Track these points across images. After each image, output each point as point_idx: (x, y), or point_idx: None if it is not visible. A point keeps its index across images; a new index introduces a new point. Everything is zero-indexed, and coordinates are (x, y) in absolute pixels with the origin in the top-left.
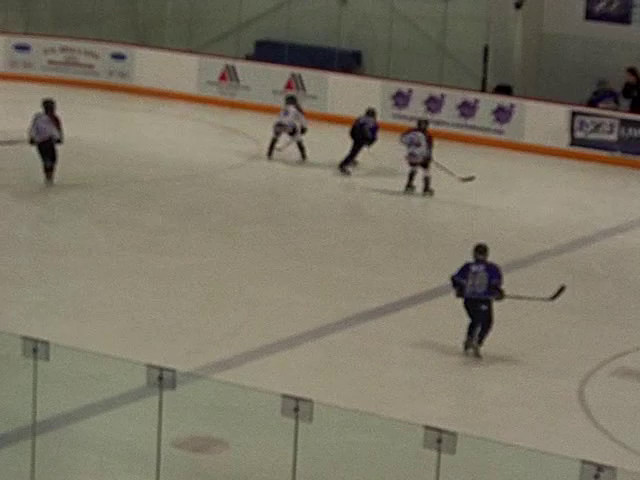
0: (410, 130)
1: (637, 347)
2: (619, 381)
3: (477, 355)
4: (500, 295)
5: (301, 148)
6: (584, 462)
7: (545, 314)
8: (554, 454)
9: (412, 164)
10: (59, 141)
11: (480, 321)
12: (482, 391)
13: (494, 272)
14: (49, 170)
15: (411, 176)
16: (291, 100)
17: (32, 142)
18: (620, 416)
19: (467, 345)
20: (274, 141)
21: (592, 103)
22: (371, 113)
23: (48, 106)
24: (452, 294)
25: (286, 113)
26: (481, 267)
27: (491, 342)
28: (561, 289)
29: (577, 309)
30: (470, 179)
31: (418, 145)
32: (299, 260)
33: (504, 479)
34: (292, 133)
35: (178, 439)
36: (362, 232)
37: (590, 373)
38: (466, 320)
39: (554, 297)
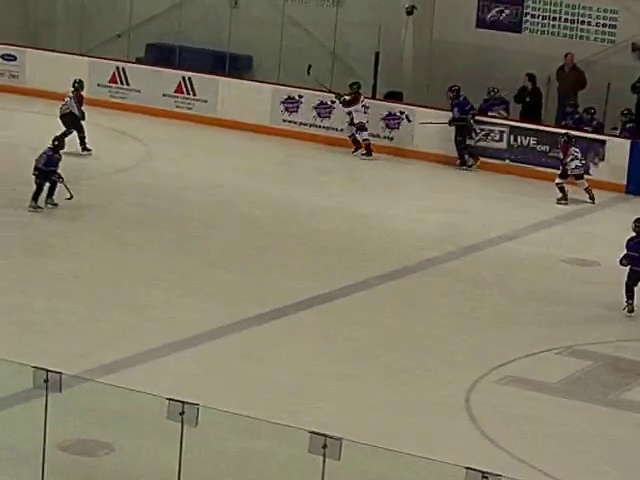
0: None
1: (524, 355)
2: (505, 388)
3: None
4: None
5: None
6: (469, 469)
7: (433, 320)
8: (439, 461)
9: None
10: (82, 117)
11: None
12: (368, 397)
13: None
14: (81, 140)
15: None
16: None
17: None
18: (505, 423)
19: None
20: None
21: (482, 111)
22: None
23: (76, 85)
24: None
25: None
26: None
27: (377, 348)
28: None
29: (465, 316)
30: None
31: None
32: (188, 264)
33: None
34: None
35: (64, 442)
36: (249, 237)
37: (476, 380)
38: None
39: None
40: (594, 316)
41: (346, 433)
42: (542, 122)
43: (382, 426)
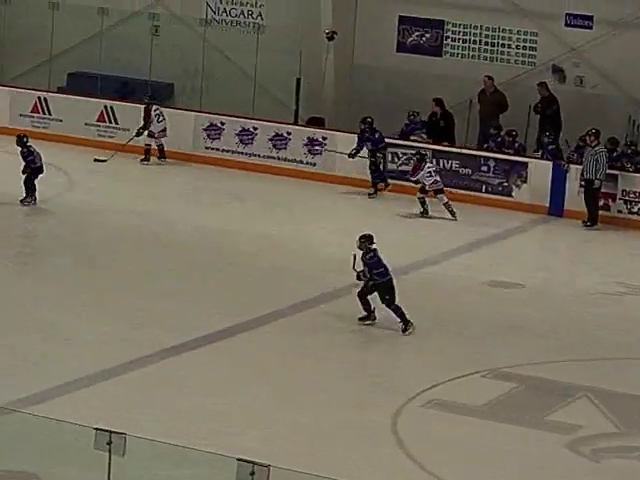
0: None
1: (449, 378)
2: (431, 412)
3: None
4: None
5: None
6: None
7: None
8: None
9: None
10: None
11: None
12: (292, 422)
13: None
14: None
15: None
16: None
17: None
18: (432, 447)
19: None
20: None
21: (404, 135)
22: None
23: None
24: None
25: None
26: None
27: (298, 373)
28: None
29: (384, 341)
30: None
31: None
32: (108, 290)
33: None
34: None
35: None
36: (166, 263)
37: (403, 404)
38: None
39: None
40: (517, 338)
41: (272, 459)
42: (465, 145)
43: (308, 451)
